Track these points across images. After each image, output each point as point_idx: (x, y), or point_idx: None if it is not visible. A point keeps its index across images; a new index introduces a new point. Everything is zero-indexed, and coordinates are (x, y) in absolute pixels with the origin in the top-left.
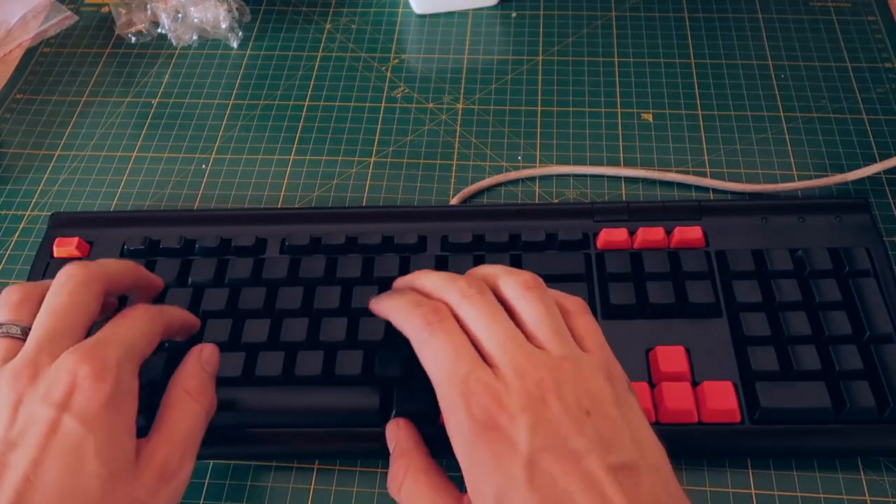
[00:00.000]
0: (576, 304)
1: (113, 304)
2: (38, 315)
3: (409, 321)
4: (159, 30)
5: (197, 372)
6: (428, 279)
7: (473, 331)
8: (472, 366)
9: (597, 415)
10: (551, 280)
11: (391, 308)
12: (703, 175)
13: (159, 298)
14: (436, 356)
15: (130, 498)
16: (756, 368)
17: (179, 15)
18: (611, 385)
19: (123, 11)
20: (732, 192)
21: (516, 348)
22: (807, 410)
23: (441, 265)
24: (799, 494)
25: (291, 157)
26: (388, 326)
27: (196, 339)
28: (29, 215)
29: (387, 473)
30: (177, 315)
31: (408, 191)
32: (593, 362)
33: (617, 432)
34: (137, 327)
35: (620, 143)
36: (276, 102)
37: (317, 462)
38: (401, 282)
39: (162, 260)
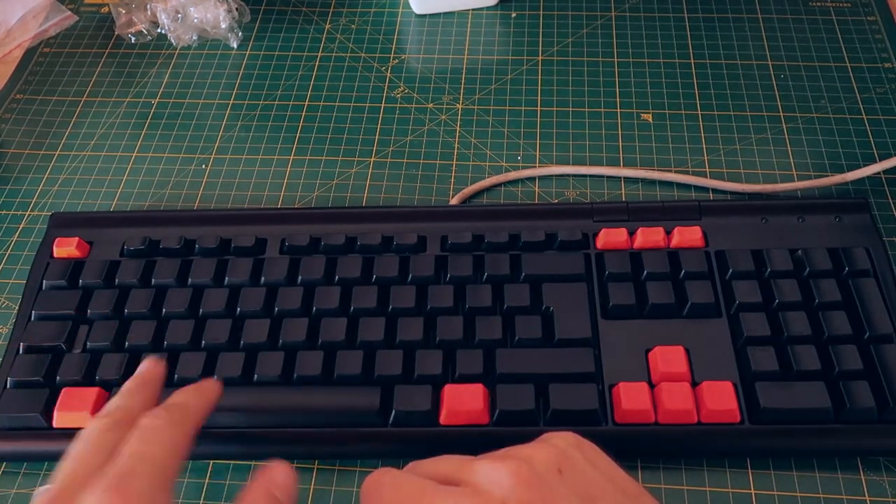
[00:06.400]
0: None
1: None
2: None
3: None
4: (159, 30)
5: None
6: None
7: None
8: None
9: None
10: (551, 280)
11: None
12: (703, 175)
13: (157, 302)
14: None
15: None
16: (756, 368)
17: (179, 15)
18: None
19: (123, 11)
20: (732, 192)
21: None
22: (806, 410)
23: (441, 265)
24: (799, 494)
25: (291, 157)
26: (389, 326)
27: (196, 342)
28: (29, 215)
29: None
30: (202, 407)
31: (408, 191)
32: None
33: None
34: (166, 442)
35: (620, 143)
36: (276, 102)
37: (316, 462)
38: None
39: (162, 260)
